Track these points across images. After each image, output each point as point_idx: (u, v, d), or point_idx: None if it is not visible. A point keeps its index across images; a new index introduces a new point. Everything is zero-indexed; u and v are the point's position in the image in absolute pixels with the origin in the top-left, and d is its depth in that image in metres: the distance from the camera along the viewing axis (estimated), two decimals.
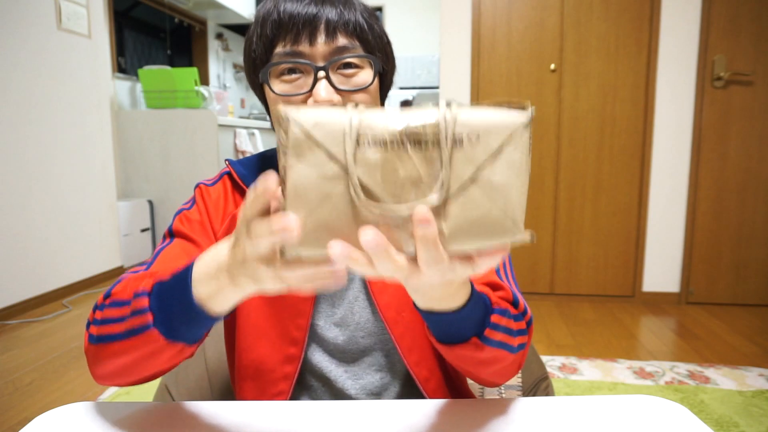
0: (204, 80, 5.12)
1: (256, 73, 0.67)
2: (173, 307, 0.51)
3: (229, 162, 0.75)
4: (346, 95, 0.63)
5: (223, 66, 5.54)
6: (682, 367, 2.11)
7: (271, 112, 0.69)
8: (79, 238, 3.13)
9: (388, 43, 0.70)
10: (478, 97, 2.96)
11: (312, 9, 0.62)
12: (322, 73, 0.62)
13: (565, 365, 2.13)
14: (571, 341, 2.40)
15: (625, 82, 2.85)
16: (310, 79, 0.63)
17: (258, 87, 0.70)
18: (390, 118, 0.37)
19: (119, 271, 3.48)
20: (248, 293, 0.46)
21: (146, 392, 1.88)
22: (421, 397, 0.72)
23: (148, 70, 3.87)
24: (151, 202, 3.89)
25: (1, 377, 2.00)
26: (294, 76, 0.64)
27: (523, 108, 0.38)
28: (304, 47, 0.63)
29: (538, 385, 0.92)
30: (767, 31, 2.70)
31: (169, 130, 3.82)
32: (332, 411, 0.60)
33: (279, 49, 0.64)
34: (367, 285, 0.71)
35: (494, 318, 0.57)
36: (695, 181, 2.85)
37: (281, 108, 0.38)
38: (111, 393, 1.89)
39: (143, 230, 3.79)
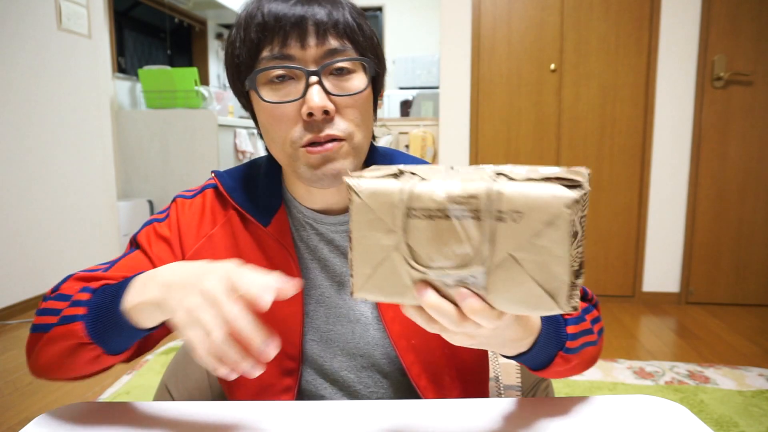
0: (204, 80, 5.12)
1: (241, 79, 0.63)
2: (103, 308, 0.54)
3: (216, 174, 0.72)
4: (338, 100, 0.60)
5: (223, 66, 5.53)
6: (682, 367, 2.11)
7: (260, 123, 0.65)
8: (79, 238, 3.13)
9: (379, 44, 0.67)
10: (478, 97, 2.96)
11: (299, 9, 0.59)
12: (314, 78, 0.59)
13: None
14: None
15: (625, 82, 2.85)
16: (302, 85, 0.59)
17: (243, 95, 0.66)
18: (437, 188, 0.39)
19: None
20: (166, 318, 0.50)
21: (146, 392, 1.88)
22: None
23: (148, 70, 3.87)
24: (151, 202, 3.89)
25: (1, 377, 2.00)
26: (284, 82, 0.60)
27: (577, 183, 0.37)
28: (293, 50, 0.59)
29: (538, 385, 0.92)
30: (767, 30, 2.70)
31: (169, 130, 3.82)
32: (332, 411, 0.60)
33: (266, 53, 0.60)
34: (379, 311, 0.70)
35: (570, 329, 0.60)
36: (695, 180, 2.85)
37: (346, 179, 0.42)
38: (111, 393, 1.89)
39: None
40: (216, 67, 5.40)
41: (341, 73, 0.61)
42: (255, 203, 0.69)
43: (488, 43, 2.93)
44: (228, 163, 3.93)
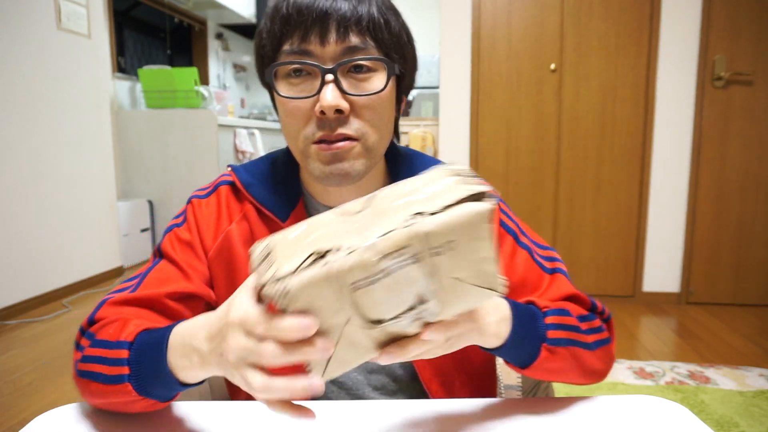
0: (204, 80, 5.12)
1: (263, 71, 0.63)
2: (147, 369, 0.51)
3: (233, 169, 0.71)
4: (353, 100, 0.59)
5: (223, 66, 5.54)
6: (683, 367, 2.11)
7: (279, 116, 0.65)
8: (79, 238, 3.13)
9: (409, 41, 0.65)
10: (478, 96, 2.96)
11: (323, 2, 0.57)
12: (329, 77, 0.57)
13: None
14: None
15: (625, 82, 2.85)
16: (317, 82, 0.58)
17: (266, 86, 0.66)
18: (365, 253, 0.38)
19: (119, 271, 3.48)
20: (217, 374, 0.47)
21: None
22: None
23: (148, 70, 3.87)
24: (151, 202, 3.89)
25: (1, 377, 2.00)
26: (301, 77, 0.60)
27: (481, 192, 0.40)
28: (312, 46, 0.58)
29: (538, 385, 0.92)
30: (767, 31, 2.70)
31: (169, 130, 3.82)
32: (332, 410, 0.60)
33: (286, 47, 0.59)
34: None
35: (550, 320, 0.60)
36: (695, 180, 2.85)
37: (264, 292, 0.39)
38: None
39: (143, 230, 3.79)
40: (216, 67, 5.40)
41: (360, 71, 0.59)
42: (273, 198, 0.68)
43: (488, 43, 2.93)
44: (227, 163, 3.93)
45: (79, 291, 3.09)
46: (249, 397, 0.71)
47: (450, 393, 0.70)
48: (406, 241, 0.38)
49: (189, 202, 0.72)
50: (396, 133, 0.69)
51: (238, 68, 5.89)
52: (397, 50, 0.62)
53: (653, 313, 2.79)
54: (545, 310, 0.61)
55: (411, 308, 0.42)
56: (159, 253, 0.69)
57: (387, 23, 0.60)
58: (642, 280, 2.96)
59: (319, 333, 0.40)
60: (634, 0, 2.79)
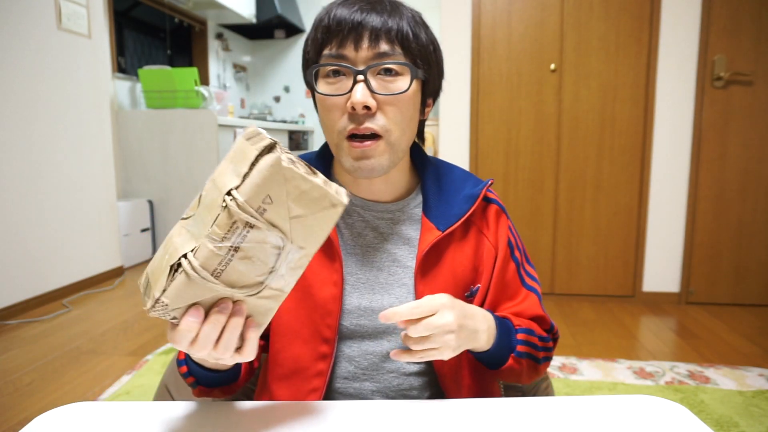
0: (204, 80, 5.12)
1: (306, 72, 0.73)
2: (196, 372, 0.67)
3: None
4: (380, 99, 0.67)
5: (223, 66, 5.54)
6: (682, 367, 2.11)
7: (318, 112, 0.74)
8: (79, 238, 3.13)
9: (434, 51, 0.73)
10: (478, 96, 2.96)
11: (358, 16, 0.67)
12: (360, 77, 0.66)
13: (565, 365, 2.13)
14: (571, 341, 2.40)
15: (625, 82, 2.85)
16: (350, 82, 0.67)
17: (312, 87, 0.75)
18: (206, 245, 0.45)
19: (119, 271, 3.48)
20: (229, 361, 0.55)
21: (146, 392, 1.88)
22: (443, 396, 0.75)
23: (148, 70, 3.87)
24: (151, 202, 3.89)
25: (1, 377, 2.00)
26: (337, 78, 0.68)
27: (270, 147, 0.46)
28: (348, 51, 0.67)
29: (538, 385, 0.92)
30: (767, 31, 2.70)
31: (169, 130, 3.82)
32: (332, 410, 0.60)
33: (326, 52, 0.68)
34: (415, 292, 0.74)
35: (520, 336, 0.74)
36: (695, 180, 2.85)
37: (150, 313, 0.47)
38: (111, 393, 1.89)
39: (143, 230, 3.79)
40: (216, 67, 5.40)
41: (389, 74, 0.68)
42: None
43: (488, 43, 2.93)
44: None
45: (79, 291, 3.09)
46: (281, 380, 0.73)
47: (457, 378, 0.74)
48: (230, 218, 0.44)
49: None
50: (420, 134, 0.78)
51: (238, 68, 5.89)
52: (422, 58, 0.71)
53: (653, 313, 2.79)
54: (517, 327, 0.75)
55: (276, 260, 0.47)
56: None
57: (415, 35, 0.69)
58: (642, 280, 2.96)
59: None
60: (634, 0, 2.79)
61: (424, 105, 0.75)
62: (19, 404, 1.80)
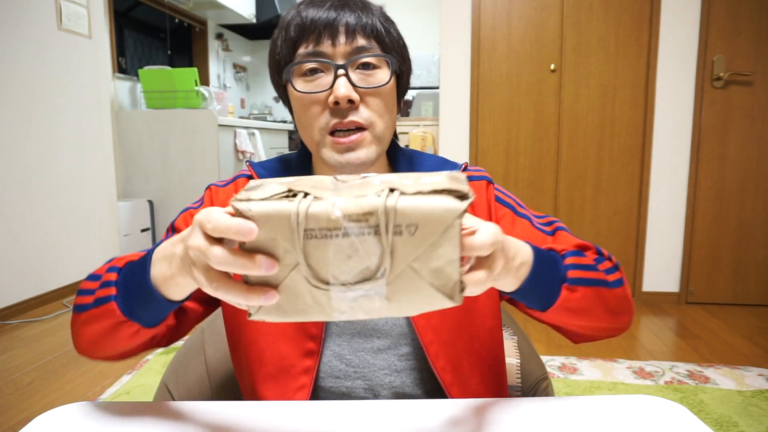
0: (204, 80, 5.12)
1: (279, 73, 0.71)
2: (132, 284, 0.55)
3: (250, 164, 0.78)
4: (362, 92, 0.67)
5: (223, 66, 5.53)
6: (682, 367, 2.11)
7: (294, 111, 0.72)
8: (80, 238, 3.13)
9: (404, 46, 0.74)
10: (478, 97, 2.96)
11: (332, 14, 0.67)
12: (342, 71, 0.66)
13: (565, 365, 2.13)
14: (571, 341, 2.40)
15: (625, 82, 2.85)
16: (331, 77, 0.67)
17: (281, 87, 0.74)
18: (333, 207, 0.39)
19: None
20: (194, 285, 0.49)
21: (146, 392, 1.88)
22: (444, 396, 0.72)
23: (149, 71, 3.87)
24: (151, 202, 3.89)
25: (1, 377, 2.00)
26: (315, 75, 0.68)
27: (464, 194, 0.40)
28: (325, 48, 0.67)
29: (538, 385, 0.92)
30: (767, 31, 2.70)
31: (169, 130, 3.82)
32: (331, 410, 0.60)
33: (302, 50, 0.68)
34: None
35: (569, 260, 0.62)
36: (695, 181, 2.85)
37: (233, 202, 0.41)
38: (111, 393, 1.89)
39: (143, 230, 3.79)
40: (216, 67, 5.40)
41: (367, 68, 0.68)
42: None
43: (488, 43, 2.93)
44: (228, 163, 3.93)
45: None
46: (271, 396, 0.71)
47: (458, 374, 0.71)
48: (371, 208, 0.39)
49: (208, 188, 0.78)
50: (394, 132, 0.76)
51: (238, 68, 5.89)
52: (397, 51, 0.72)
53: (653, 313, 2.79)
54: (563, 252, 0.64)
55: (360, 282, 0.41)
56: (171, 229, 0.74)
57: (387, 30, 0.70)
58: (642, 280, 2.96)
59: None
60: (634, 0, 2.79)
61: (398, 103, 0.75)
62: (19, 404, 1.80)
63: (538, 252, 0.57)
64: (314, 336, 0.71)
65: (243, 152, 4.07)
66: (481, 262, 0.47)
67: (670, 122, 2.84)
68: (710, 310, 2.82)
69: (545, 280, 0.58)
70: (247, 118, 5.31)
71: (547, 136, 2.94)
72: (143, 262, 0.54)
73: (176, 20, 4.87)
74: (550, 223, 0.76)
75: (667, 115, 2.84)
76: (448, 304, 0.42)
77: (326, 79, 0.67)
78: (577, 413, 0.59)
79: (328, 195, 0.40)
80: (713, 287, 2.90)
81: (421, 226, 0.39)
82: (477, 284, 0.46)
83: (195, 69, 3.88)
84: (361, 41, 0.67)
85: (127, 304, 0.56)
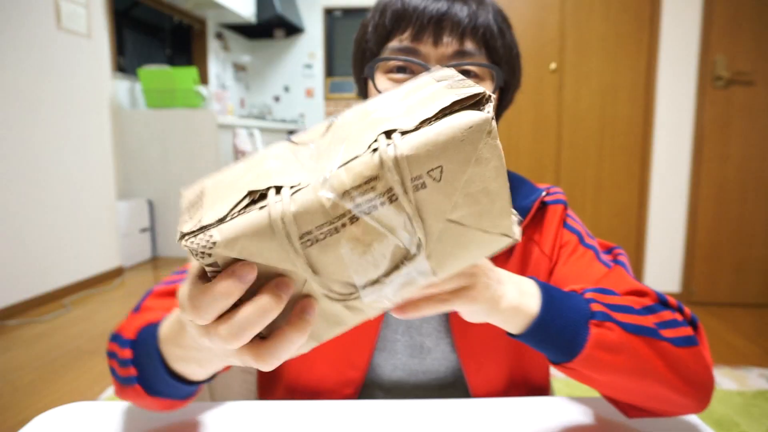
0: (204, 80, 5.12)
1: (362, 66, 0.61)
2: (148, 366, 0.46)
3: None
4: None
5: (222, 66, 5.53)
6: None
7: None
8: (79, 238, 3.13)
9: (517, 56, 0.62)
10: None
11: (441, 5, 0.55)
12: None
13: None
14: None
15: (626, 81, 2.85)
16: None
17: (362, 81, 0.63)
18: (320, 191, 0.28)
19: (119, 271, 3.48)
20: (219, 367, 0.42)
21: None
22: None
23: (148, 70, 3.87)
24: (150, 202, 3.88)
25: (1, 377, 2.00)
26: (403, 75, 0.57)
27: (479, 102, 0.29)
28: (422, 46, 0.55)
29: None
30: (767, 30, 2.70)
31: (168, 129, 3.82)
32: (330, 410, 0.60)
33: (394, 43, 0.57)
34: (448, 323, 0.65)
35: (588, 295, 0.49)
36: (696, 180, 2.85)
37: (180, 240, 0.29)
38: (111, 393, 1.89)
39: (142, 230, 3.79)
40: (216, 67, 5.40)
41: (467, 77, 0.58)
42: None
43: None
44: (227, 163, 3.93)
45: (78, 291, 3.09)
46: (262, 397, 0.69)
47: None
48: (374, 170, 0.28)
49: None
50: None
51: (238, 68, 5.89)
52: (507, 61, 0.60)
53: None
54: (581, 290, 0.52)
55: (392, 270, 0.31)
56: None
57: (501, 33, 0.58)
58: (642, 280, 2.95)
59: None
60: (634, 0, 2.79)
61: (497, 118, 0.63)
62: (19, 404, 1.80)
63: (541, 284, 0.48)
64: (358, 366, 0.64)
65: (242, 152, 4.06)
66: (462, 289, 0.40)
67: (670, 122, 2.84)
68: (711, 311, 2.82)
69: (563, 313, 0.46)
70: (247, 117, 5.29)
71: (548, 135, 2.94)
72: (152, 341, 0.46)
73: (176, 20, 4.86)
74: (615, 257, 0.64)
75: (667, 115, 2.84)
76: (506, 243, 0.33)
77: None
78: (577, 413, 0.59)
79: (297, 175, 0.30)
80: (714, 287, 2.90)
81: (446, 165, 0.29)
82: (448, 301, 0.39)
83: (194, 68, 3.87)
84: (468, 45, 0.55)
85: (148, 384, 0.47)
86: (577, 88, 2.88)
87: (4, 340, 2.37)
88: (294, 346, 0.31)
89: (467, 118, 0.28)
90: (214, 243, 0.28)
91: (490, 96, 0.30)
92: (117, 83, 3.83)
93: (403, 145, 0.28)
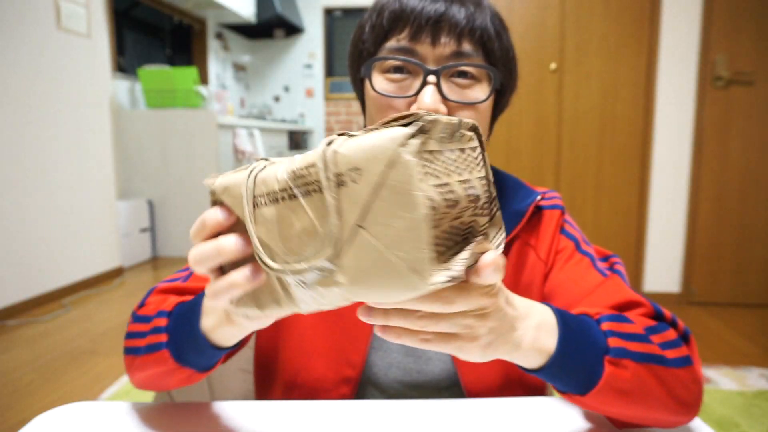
0: (203, 80, 5.12)
1: (359, 66, 0.62)
2: (183, 333, 0.51)
3: None
4: (453, 107, 0.57)
5: (222, 66, 5.53)
6: None
7: (367, 112, 0.62)
8: (79, 238, 3.13)
9: (513, 58, 0.63)
10: None
11: (439, 6, 0.56)
12: (432, 78, 0.55)
13: None
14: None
15: (626, 81, 2.85)
16: (418, 82, 0.56)
17: (359, 81, 0.64)
18: (281, 167, 0.34)
19: (119, 271, 3.48)
20: (246, 330, 0.46)
21: (146, 393, 1.88)
22: None
23: (148, 70, 3.87)
24: (150, 202, 3.88)
25: (1, 377, 2.00)
26: (400, 75, 0.58)
27: (417, 117, 0.30)
28: (419, 46, 0.56)
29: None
30: None
31: (168, 129, 3.82)
32: (327, 410, 0.59)
33: (392, 43, 0.57)
34: None
35: (605, 326, 0.48)
36: (696, 180, 2.85)
37: (206, 180, 0.40)
38: (111, 393, 1.89)
39: (143, 230, 3.79)
40: (216, 67, 5.40)
41: (464, 78, 0.57)
42: None
43: None
44: (227, 162, 3.93)
45: (78, 291, 3.08)
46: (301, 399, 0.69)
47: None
48: (313, 159, 0.32)
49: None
50: None
51: (238, 68, 5.89)
52: (504, 63, 0.61)
53: None
54: (598, 317, 0.50)
55: (310, 257, 0.33)
56: None
57: (498, 35, 0.59)
58: (643, 280, 2.95)
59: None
60: (634, 0, 2.79)
61: (494, 120, 0.64)
62: (19, 404, 1.80)
63: (559, 313, 0.46)
64: (354, 364, 0.65)
65: (242, 152, 4.06)
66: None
67: (671, 122, 2.84)
68: (711, 311, 2.82)
69: (578, 351, 0.44)
70: (247, 117, 5.30)
71: (548, 136, 2.94)
72: (193, 310, 0.50)
73: (175, 20, 4.86)
74: (611, 265, 0.64)
75: (668, 115, 2.84)
76: (415, 285, 0.29)
77: (412, 82, 0.57)
78: (578, 413, 0.59)
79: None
80: (714, 287, 2.90)
81: (363, 168, 0.29)
82: (490, 269, 0.32)
83: (194, 68, 3.88)
84: (466, 46, 0.56)
85: (179, 351, 0.51)
86: (577, 88, 2.88)
87: (4, 340, 2.37)
88: (236, 289, 0.37)
89: (393, 131, 0.30)
90: (214, 184, 0.39)
91: (430, 121, 0.30)
92: (117, 83, 3.83)
93: (340, 144, 0.31)
